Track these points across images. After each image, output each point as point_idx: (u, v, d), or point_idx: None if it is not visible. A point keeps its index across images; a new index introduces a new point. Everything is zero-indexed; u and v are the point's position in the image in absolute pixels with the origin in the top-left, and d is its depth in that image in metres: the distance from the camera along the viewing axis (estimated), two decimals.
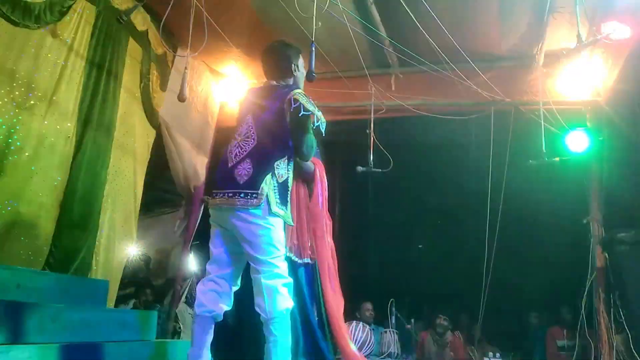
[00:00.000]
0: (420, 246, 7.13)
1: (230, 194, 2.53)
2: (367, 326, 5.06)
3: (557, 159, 4.60)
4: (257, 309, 2.50)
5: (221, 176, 2.64)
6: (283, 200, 2.57)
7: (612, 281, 4.53)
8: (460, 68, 4.71)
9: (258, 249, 2.50)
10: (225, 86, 5.62)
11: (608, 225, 4.72)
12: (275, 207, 2.51)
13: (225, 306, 2.62)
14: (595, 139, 4.70)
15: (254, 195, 2.47)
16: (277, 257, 2.55)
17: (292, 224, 2.81)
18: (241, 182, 2.52)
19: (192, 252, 5.88)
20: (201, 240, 5.87)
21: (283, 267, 2.57)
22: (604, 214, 4.77)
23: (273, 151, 2.58)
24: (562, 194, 5.36)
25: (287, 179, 2.62)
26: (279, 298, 2.48)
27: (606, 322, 4.48)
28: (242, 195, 2.49)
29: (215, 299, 2.58)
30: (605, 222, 4.75)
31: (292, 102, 2.55)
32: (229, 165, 2.61)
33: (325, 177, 3.51)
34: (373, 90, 5.03)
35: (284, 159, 2.60)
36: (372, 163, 4.68)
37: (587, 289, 4.62)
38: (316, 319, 3.46)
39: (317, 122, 2.57)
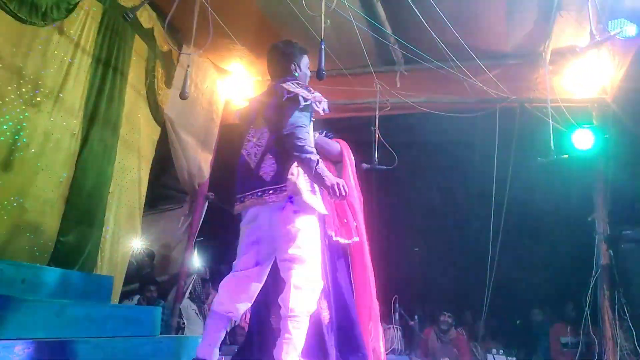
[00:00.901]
0: (416, 249, 7.07)
1: (259, 193, 2.52)
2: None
3: (566, 156, 4.57)
4: (280, 302, 2.47)
5: (245, 180, 2.61)
6: (313, 189, 2.54)
7: (617, 278, 4.52)
8: (465, 65, 4.69)
9: (294, 242, 2.46)
10: (230, 83, 5.62)
11: (613, 222, 4.71)
12: (308, 196, 2.47)
13: (247, 305, 2.61)
14: (601, 137, 4.68)
15: (283, 189, 2.45)
16: (311, 254, 2.51)
17: (326, 212, 2.71)
18: (268, 179, 2.51)
19: (196, 248, 5.90)
20: (205, 237, 5.89)
21: (316, 268, 2.53)
22: (609, 211, 4.75)
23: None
24: (567, 191, 5.35)
25: None
26: (305, 298, 2.44)
27: (610, 319, 4.47)
28: (271, 191, 2.48)
29: (237, 298, 2.56)
30: (610, 219, 4.73)
31: (278, 89, 2.55)
32: (252, 166, 2.59)
33: (352, 155, 3.44)
34: (378, 87, 5.01)
35: None
36: (376, 160, 4.67)
37: (591, 286, 4.61)
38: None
39: (306, 101, 2.49)
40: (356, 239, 3.30)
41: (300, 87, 2.55)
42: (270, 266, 2.67)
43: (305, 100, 2.49)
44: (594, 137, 4.67)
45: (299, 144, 2.43)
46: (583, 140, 4.68)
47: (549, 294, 6.18)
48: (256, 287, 2.63)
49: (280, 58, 2.77)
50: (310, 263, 2.50)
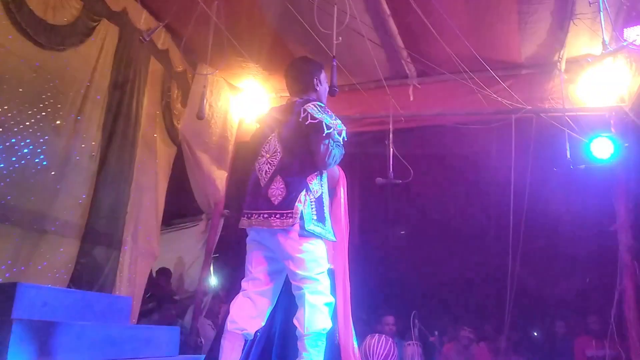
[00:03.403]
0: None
1: (265, 215, 2.50)
2: (390, 339, 4.99)
3: (582, 166, 4.51)
4: (295, 322, 2.47)
5: (254, 196, 2.61)
6: (320, 217, 2.53)
7: None
8: (479, 76, 4.67)
9: (302, 266, 2.47)
10: (244, 101, 5.66)
11: (636, 232, 4.60)
12: (311, 225, 2.47)
13: (260, 323, 2.60)
14: (620, 145, 4.60)
15: (289, 215, 2.44)
16: (321, 273, 2.52)
17: (334, 239, 2.71)
18: (276, 203, 2.49)
19: (213, 266, 5.90)
20: (221, 254, 5.90)
21: (326, 284, 2.53)
22: (631, 220, 4.65)
23: (302, 167, 2.54)
24: (587, 201, 5.26)
25: (322, 194, 2.58)
26: (319, 316, 2.45)
27: (637, 331, 4.35)
28: (277, 215, 2.46)
29: (249, 316, 2.55)
30: (633, 229, 4.62)
31: (302, 112, 2.54)
32: (261, 184, 2.58)
33: (345, 185, 3.46)
34: (392, 101, 4.99)
35: (315, 173, 2.57)
36: (392, 174, 4.64)
37: (616, 297, 4.49)
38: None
39: (329, 129, 2.50)
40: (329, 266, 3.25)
41: (323, 111, 2.55)
42: (281, 285, 2.66)
43: (328, 128, 2.50)
44: (613, 146, 4.60)
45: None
46: (602, 149, 4.61)
47: (573, 306, 6.05)
48: (268, 306, 2.62)
49: (302, 73, 2.79)
50: (321, 282, 2.51)
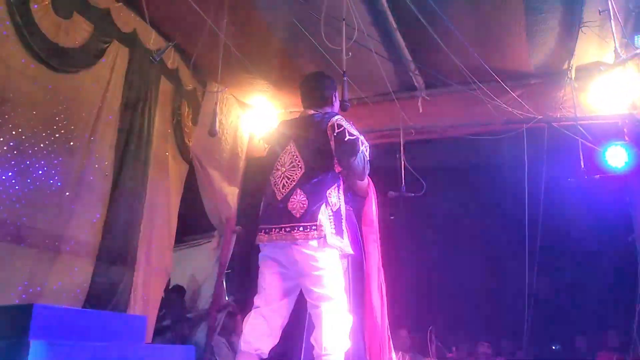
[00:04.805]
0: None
1: (287, 229, 2.49)
2: (407, 355, 4.93)
3: (597, 176, 4.45)
4: (312, 341, 2.45)
5: (271, 210, 2.59)
6: (339, 230, 2.54)
7: None
8: (488, 87, 4.65)
9: (319, 283, 2.46)
10: (254, 117, 5.69)
11: None
12: (331, 238, 2.47)
13: (273, 342, 2.58)
14: (634, 153, 4.54)
15: (313, 227, 2.44)
16: (338, 290, 2.51)
17: (352, 252, 2.73)
18: (298, 215, 2.48)
19: (226, 282, 5.89)
20: (232, 269, 5.88)
21: (344, 303, 2.52)
22: None
23: (324, 180, 2.55)
24: (603, 211, 5.17)
25: (339, 207, 2.59)
26: (337, 335, 2.42)
27: None
28: (301, 228, 2.46)
29: (263, 335, 2.54)
30: None
31: (336, 127, 2.54)
32: (279, 197, 2.57)
33: (374, 189, 3.52)
34: (401, 114, 4.99)
35: (334, 187, 2.58)
36: (404, 187, 4.62)
37: (637, 310, 4.39)
38: None
39: (362, 145, 2.56)
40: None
41: (352, 127, 2.59)
42: (294, 300, 2.64)
43: (362, 143, 2.55)
44: (627, 154, 4.55)
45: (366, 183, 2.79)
46: (615, 158, 4.56)
47: (592, 319, 5.92)
48: (281, 323, 2.60)
49: (322, 87, 2.82)
50: (338, 300, 2.50)
